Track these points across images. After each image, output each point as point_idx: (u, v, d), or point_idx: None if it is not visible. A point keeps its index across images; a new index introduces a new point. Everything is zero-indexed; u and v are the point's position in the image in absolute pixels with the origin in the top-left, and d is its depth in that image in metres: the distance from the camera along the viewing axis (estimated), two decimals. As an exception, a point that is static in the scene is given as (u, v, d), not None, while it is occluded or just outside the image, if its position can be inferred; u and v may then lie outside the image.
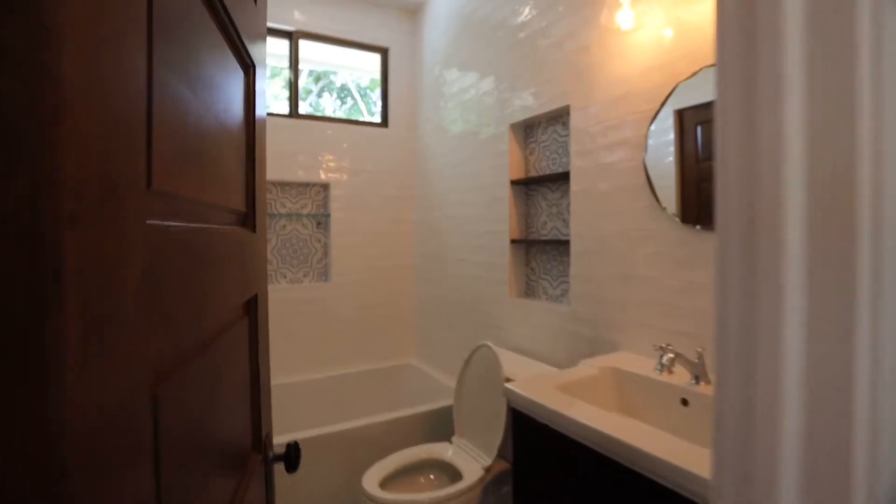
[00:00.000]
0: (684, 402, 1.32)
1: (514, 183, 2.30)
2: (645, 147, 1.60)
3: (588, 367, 1.54)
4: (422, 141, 3.18)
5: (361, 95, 3.33)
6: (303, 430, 2.17)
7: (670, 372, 1.42)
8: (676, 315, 1.51)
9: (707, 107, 1.43)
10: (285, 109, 2.95)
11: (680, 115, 1.51)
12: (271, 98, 2.94)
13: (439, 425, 2.43)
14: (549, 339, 2.05)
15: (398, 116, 3.23)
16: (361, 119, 3.24)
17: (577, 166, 1.90)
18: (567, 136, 2.09)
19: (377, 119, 3.26)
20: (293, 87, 2.93)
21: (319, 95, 3.28)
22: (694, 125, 1.50)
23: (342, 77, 3.32)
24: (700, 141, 1.48)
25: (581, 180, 1.88)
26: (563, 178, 2.03)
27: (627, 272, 1.68)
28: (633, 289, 1.65)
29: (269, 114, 2.82)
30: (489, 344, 1.97)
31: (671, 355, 1.23)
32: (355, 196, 3.08)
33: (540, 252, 2.26)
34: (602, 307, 1.79)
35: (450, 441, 2.12)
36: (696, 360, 1.33)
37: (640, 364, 1.53)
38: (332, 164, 3.00)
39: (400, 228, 3.25)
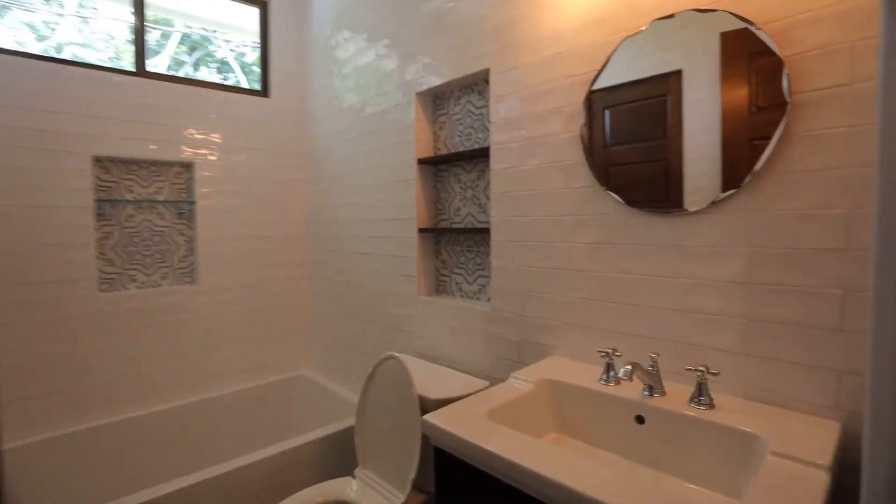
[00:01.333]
0: (639, 419, 1.09)
1: (421, 162, 1.97)
2: (584, 116, 1.35)
3: (521, 383, 1.27)
4: (312, 114, 2.71)
5: (246, 72, 2.75)
6: (155, 486, 1.65)
7: (617, 382, 1.19)
8: (622, 314, 1.29)
9: (620, 89, 1.25)
10: (130, 65, 2.30)
11: (588, 98, 1.33)
12: (107, 49, 2.27)
13: (340, 454, 2.04)
14: (468, 344, 1.76)
15: (282, 85, 2.72)
16: (234, 85, 2.67)
17: (498, 141, 1.61)
18: (484, 106, 1.79)
19: (256, 86, 2.72)
20: (139, 36, 2.29)
21: (196, 68, 2.65)
22: (602, 108, 1.30)
23: (224, 51, 2.71)
24: (608, 126, 1.28)
25: (504, 157, 1.59)
26: (480, 155, 1.74)
27: (561, 264, 1.43)
28: (569, 284, 1.41)
29: (104, 68, 2.17)
30: (396, 355, 1.62)
31: (628, 367, 0.99)
32: (230, 179, 2.53)
33: (452, 242, 1.96)
34: (530, 305, 1.53)
35: (353, 475, 1.74)
36: (650, 368, 1.11)
37: (581, 373, 1.29)
38: (197, 139, 2.42)
39: (289, 218, 2.75)
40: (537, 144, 1.49)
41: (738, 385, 1.07)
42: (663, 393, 1.10)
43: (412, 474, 1.51)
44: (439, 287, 2.04)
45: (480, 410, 1.10)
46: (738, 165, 1.06)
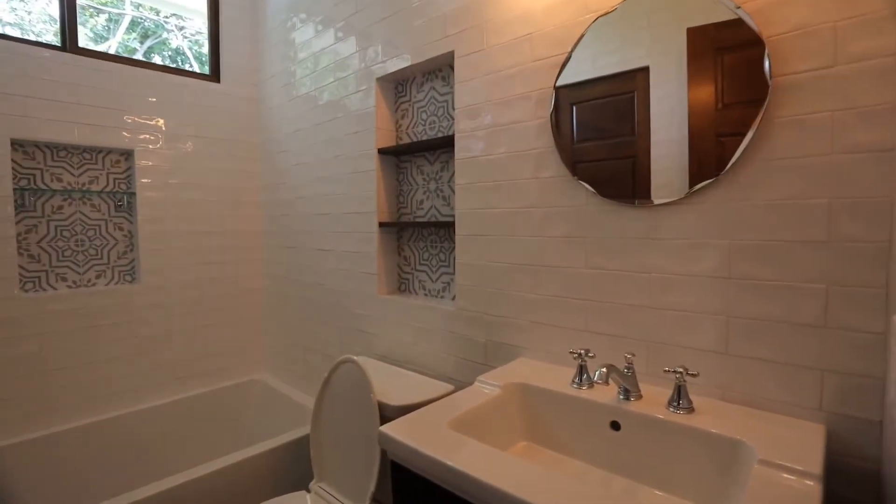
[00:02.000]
0: (615, 425, 1.01)
1: (382, 152, 1.85)
2: (552, 102, 1.27)
3: (487, 387, 1.17)
4: (267, 102, 2.54)
5: (203, 63, 2.54)
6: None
7: (591, 386, 1.11)
8: (595, 312, 1.21)
9: (586, 85, 1.18)
10: (55, 39, 2.07)
11: (556, 92, 1.26)
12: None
13: (295, 466, 1.89)
14: (432, 345, 1.65)
15: (234, 69, 2.54)
16: (179, 67, 2.47)
17: (462, 128, 1.51)
18: (449, 93, 1.69)
19: (205, 70, 2.52)
20: (68, 7, 2.07)
21: (147, 57, 2.43)
22: (569, 104, 1.23)
23: (178, 39, 2.50)
24: (575, 121, 1.22)
25: (468, 146, 1.50)
26: (444, 144, 1.64)
27: (530, 260, 1.34)
28: (539, 280, 1.32)
29: (19, 39, 1.95)
30: (354, 359, 1.50)
31: (603, 369, 0.91)
32: (175, 170, 2.33)
33: (415, 238, 1.85)
34: (497, 304, 1.44)
35: (308, 489, 1.60)
36: (626, 370, 1.03)
37: (552, 376, 1.20)
38: (137, 125, 2.21)
39: (242, 213, 2.57)
40: (504, 132, 1.39)
41: (718, 386, 1.01)
42: (640, 396, 1.03)
43: (371, 488, 1.39)
44: (401, 285, 1.93)
45: (443, 420, 0.99)
46: (707, 158, 0.99)
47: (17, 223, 1.99)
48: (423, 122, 1.80)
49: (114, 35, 2.38)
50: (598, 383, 0.93)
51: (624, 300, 1.15)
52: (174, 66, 2.48)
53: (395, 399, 1.42)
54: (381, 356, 1.85)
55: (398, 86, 1.89)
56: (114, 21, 2.40)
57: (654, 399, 1.02)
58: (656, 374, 1.10)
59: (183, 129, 2.35)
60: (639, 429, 0.97)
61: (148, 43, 2.49)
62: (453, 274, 1.70)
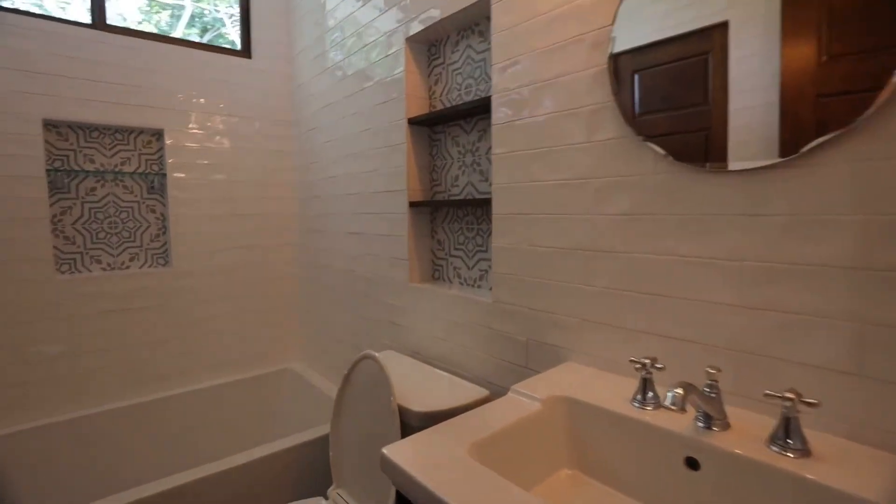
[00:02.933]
0: (692, 462, 0.76)
1: (412, 123, 1.64)
2: (610, 43, 1.00)
3: (525, 399, 0.94)
4: (297, 78, 2.40)
5: None
6: (100, 501, 1.40)
7: (657, 406, 0.86)
8: (664, 309, 0.94)
9: (651, 49, 0.91)
10: (84, 15, 2.01)
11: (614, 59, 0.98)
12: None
13: (316, 466, 1.76)
14: (466, 342, 1.44)
15: (266, 44, 2.41)
16: (209, 42, 2.37)
17: (501, 87, 1.27)
18: (487, 49, 1.45)
19: (235, 39, 2.41)
20: (96, -16, 2.00)
21: None
22: (630, 73, 0.95)
23: (235, 35, 2.43)
24: (637, 92, 0.94)
25: (507, 107, 1.25)
26: (481, 109, 1.40)
27: (581, 243, 1.09)
28: (592, 268, 1.07)
29: (49, 17, 1.89)
30: (374, 355, 1.32)
31: (678, 391, 0.66)
32: (205, 150, 2.24)
33: (450, 218, 1.63)
34: (541, 296, 1.20)
35: (325, 495, 1.46)
36: (707, 390, 0.77)
37: (606, 389, 0.95)
38: (167, 103, 2.13)
39: (274, 194, 2.46)
40: (550, 87, 1.14)
41: (845, 421, 0.73)
42: (727, 426, 0.77)
43: (392, 499, 1.21)
44: (435, 272, 1.72)
45: (463, 442, 0.78)
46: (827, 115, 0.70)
47: (51, 205, 1.97)
48: (458, 87, 1.57)
49: (175, 30, 2.32)
50: (672, 409, 0.68)
51: (703, 295, 0.88)
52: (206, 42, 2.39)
53: (418, 403, 1.23)
54: (412, 351, 1.67)
55: (431, 47, 1.67)
56: (175, 17, 2.35)
57: (746, 431, 0.75)
58: (749, 397, 0.83)
59: (213, 108, 2.25)
60: (726, 471, 0.72)
61: (207, 36, 2.41)
62: (491, 260, 1.48)
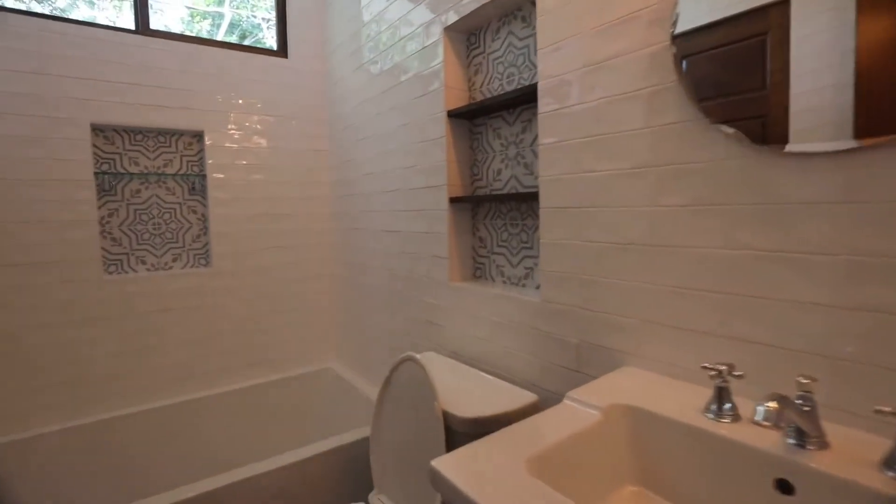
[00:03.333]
0: (784, 486, 0.67)
1: (452, 115, 1.58)
2: (672, 19, 0.91)
3: (582, 408, 0.87)
4: (333, 75, 2.38)
5: None
6: (138, 502, 1.41)
7: (735, 419, 0.76)
8: (740, 310, 0.85)
9: (719, 25, 0.81)
10: (128, 22, 2.05)
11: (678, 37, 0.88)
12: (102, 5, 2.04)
13: (357, 469, 1.73)
14: (511, 343, 1.37)
15: (302, 43, 2.40)
16: (248, 44, 2.38)
17: (548, 72, 1.19)
18: (530, 35, 1.37)
19: (272, 45, 2.42)
20: (138, -11, 2.04)
21: None
22: (696, 51, 0.86)
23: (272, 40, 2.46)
24: (704, 71, 0.86)
25: (555, 92, 1.17)
26: (525, 99, 1.33)
27: (640, 237, 1.01)
28: (653, 265, 0.98)
29: (95, 24, 1.93)
30: (416, 357, 1.27)
31: (772, 404, 0.58)
32: (244, 150, 2.26)
33: (492, 214, 1.57)
34: (595, 296, 1.11)
35: (366, 501, 1.42)
36: (800, 402, 0.68)
37: (673, 397, 0.87)
38: (207, 105, 2.15)
39: (311, 193, 2.46)
40: (603, 70, 1.05)
41: (976, 441, 0.62)
42: (824, 444, 0.67)
43: (437, 509, 1.16)
44: (477, 271, 1.66)
45: (519, 455, 0.71)
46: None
47: (99, 207, 2.01)
48: (499, 76, 1.50)
49: (215, 37, 2.35)
50: (764, 425, 0.59)
51: (786, 294, 0.78)
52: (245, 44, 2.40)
53: (464, 409, 1.16)
54: (453, 352, 1.61)
55: (470, 37, 1.60)
56: (216, 25, 2.39)
57: (850, 452, 0.66)
58: (850, 412, 0.72)
59: (251, 108, 2.26)
60: (828, 498, 0.62)
61: (247, 42, 2.44)
62: (537, 258, 1.40)
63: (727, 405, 0.77)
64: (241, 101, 2.23)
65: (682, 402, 0.84)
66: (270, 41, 2.43)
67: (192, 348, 2.16)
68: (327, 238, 2.51)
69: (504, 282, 1.54)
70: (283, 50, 2.39)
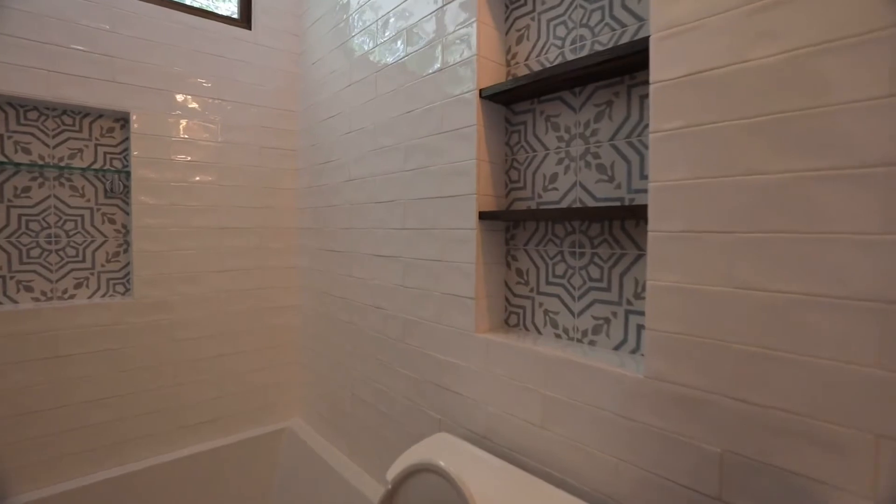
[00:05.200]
0: None
1: (486, 97, 1.11)
2: None
3: None
4: (310, 54, 1.89)
5: None
6: None
7: None
8: None
9: None
10: (27, -41, 1.50)
11: None
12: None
13: None
14: (587, 436, 0.89)
15: (271, 13, 1.90)
16: (200, 7, 1.86)
17: (671, 18, 0.75)
18: (618, -24, 0.94)
19: (232, 12, 1.91)
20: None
21: None
22: None
23: None
24: None
25: (685, 51, 0.73)
26: (609, 72, 0.89)
27: (872, 287, 0.56)
28: (890, 332, 0.54)
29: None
30: (442, 467, 0.77)
31: None
32: (186, 143, 1.71)
33: (541, 238, 1.10)
34: (764, 378, 0.66)
35: None
36: None
37: None
38: (137, 78, 1.61)
39: (274, 202, 1.93)
40: (790, 2, 0.62)
41: None
42: None
43: None
44: (510, 317, 1.18)
45: None
46: None
47: (-35, 210, 1.42)
48: (558, 43, 1.06)
49: None
50: None
51: None
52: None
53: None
54: (479, 435, 1.11)
55: (511, -9, 1.16)
56: None
57: None
58: None
59: (198, 89, 1.73)
60: None
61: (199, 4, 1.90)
62: (619, 303, 0.94)
63: None
64: (185, 79, 1.70)
65: None
66: (230, 8, 1.92)
67: (100, 411, 1.56)
68: (293, 260, 1.98)
69: (559, 335, 1.07)
70: (245, 19, 1.88)
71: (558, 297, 1.06)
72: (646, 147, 0.90)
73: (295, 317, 1.99)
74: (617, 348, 0.96)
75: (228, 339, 1.81)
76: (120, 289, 1.67)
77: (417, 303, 1.30)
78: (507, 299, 1.19)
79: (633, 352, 0.93)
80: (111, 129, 1.64)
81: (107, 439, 1.57)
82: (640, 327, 0.92)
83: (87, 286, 1.61)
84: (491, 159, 1.15)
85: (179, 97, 1.69)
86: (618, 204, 0.94)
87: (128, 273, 1.67)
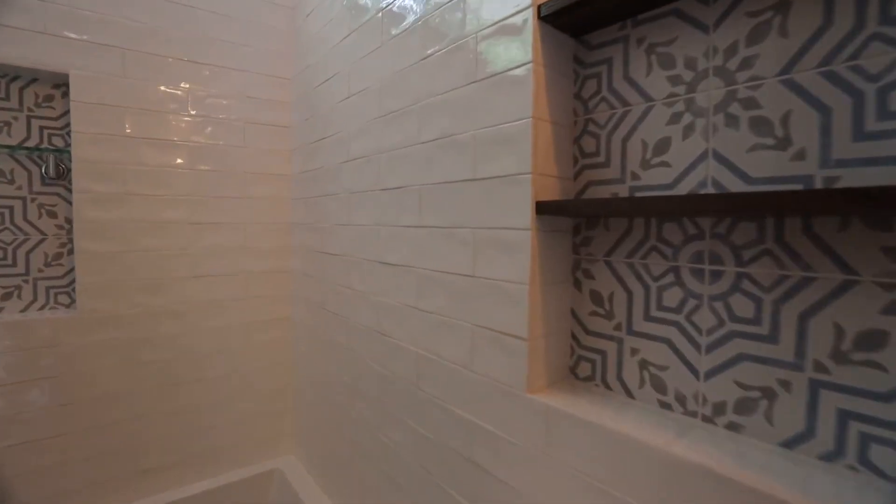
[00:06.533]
0: None
1: (546, 18, 0.70)
2: None
3: None
4: (303, 8, 1.50)
5: None
6: None
7: None
8: None
9: None
10: None
11: None
12: None
13: None
14: None
15: (257, -44, 1.52)
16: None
17: None
18: None
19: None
20: None
21: None
22: None
23: None
24: None
25: None
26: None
27: None
28: None
29: None
30: None
31: None
32: (147, 115, 1.35)
33: (632, 244, 0.69)
34: None
35: None
36: None
37: None
38: (82, 29, 1.25)
39: (261, 191, 1.55)
40: None
41: None
42: None
43: None
44: (579, 363, 0.77)
45: None
46: None
47: None
48: (673, -78, 0.63)
49: None
50: None
51: None
52: None
53: None
54: (530, 552, 0.71)
55: None
56: None
57: None
58: None
59: (162, 47, 1.36)
60: None
61: None
62: (795, 365, 0.52)
63: None
64: (144, 34, 1.33)
65: None
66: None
67: (36, 456, 1.21)
68: (282, 263, 1.60)
69: (666, 405, 0.65)
70: (224, -37, 1.50)
71: (668, 341, 0.65)
72: (870, 79, 0.48)
73: (287, 331, 1.62)
74: (788, 445, 0.54)
75: (203, 360, 1.45)
76: (63, 300, 1.32)
77: (438, 335, 0.90)
78: (574, 336, 0.78)
79: (832, 459, 0.51)
80: (49, 98, 1.28)
81: (45, 489, 1.23)
82: (844, 414, 0.50)
83: (20, 297, 1.27)
84: (553, 118, 0.73)
85: (137, 55, 1.32)
86: (801, 187, 0.52)
87: (71, 280, 1.32)
